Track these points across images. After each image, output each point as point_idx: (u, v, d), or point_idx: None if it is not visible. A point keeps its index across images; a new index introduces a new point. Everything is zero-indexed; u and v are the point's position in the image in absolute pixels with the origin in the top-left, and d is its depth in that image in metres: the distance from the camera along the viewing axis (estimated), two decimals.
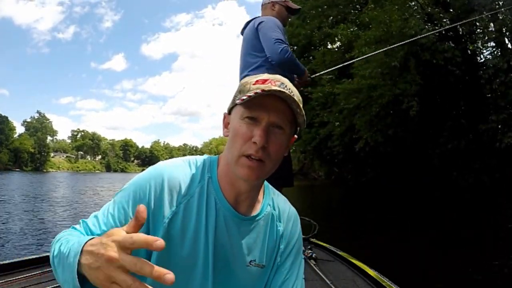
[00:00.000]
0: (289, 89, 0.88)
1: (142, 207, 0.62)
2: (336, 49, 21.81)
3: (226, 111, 0.98)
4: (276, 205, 1.06)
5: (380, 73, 15.25)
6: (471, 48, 15.91)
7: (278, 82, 0.88)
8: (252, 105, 0.86)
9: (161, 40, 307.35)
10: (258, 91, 0.84)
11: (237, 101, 0.88)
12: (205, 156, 1.02)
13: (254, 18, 2.72)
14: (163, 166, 0.94)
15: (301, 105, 0.89)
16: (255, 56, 2.59)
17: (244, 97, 0.84)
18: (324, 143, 22.34)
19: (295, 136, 0.98)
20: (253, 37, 2.59)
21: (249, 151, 0.86)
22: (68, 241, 0.75)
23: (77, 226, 0.89)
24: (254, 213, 1.00)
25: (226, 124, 0.97)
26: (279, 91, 0.84)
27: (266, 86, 0.85)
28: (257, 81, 0.89)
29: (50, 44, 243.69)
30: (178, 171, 0.93)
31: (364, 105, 16.59)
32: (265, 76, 0.91)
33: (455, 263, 4.97)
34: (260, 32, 2.55)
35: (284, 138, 0.90)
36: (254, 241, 0.99)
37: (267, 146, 0.86)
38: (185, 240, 0.90)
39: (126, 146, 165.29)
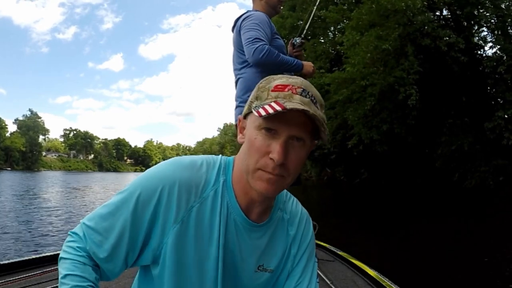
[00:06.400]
0: (312, 95, 0.82)
1: None
2: (327, 40, 21.47)
3: (241, 115, 0.92)
4: (287, 208, 1.04)
5: (370, 58, 14.27)
6: (473, 41, 15.40)
7: (300, 89, 0.80)
8: (271, 115, 0.77)
9: (159, 41, 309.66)
10: (278, 108, 0.75)
11: (254, 111, 0.81)
12: (220, 156, 0.97)
13: (242, 14, 2.60)
14: (176, 166, 0.90)
15: (325, 121, 0.82)
16: (242, 54, 2.53)
17: (262, 112, 0.77)
18: None
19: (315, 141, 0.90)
20: (238, 36, 2.51)
21: (266, 168, 0.81)
22: None
23: (75, 236, 0.88)
24: (265, 219, 0.97)
25: (241, 129, 0.91)
26: (303, 110, 0.76)
27: (287, 95, 0.79)
28: (276, 86, 0.82)
29: (49, 44, 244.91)
30: (193, 173, 0.89)
31: (357, 98, 15.73)
32: (285, 79, 0.83)
33: (455, 263, 5.01)
34: (241, 32, 2.48)
35: (304, 151, 0.83)
36: (264, 247, 0.97)
37: (286, 162, 0.80)
38: (198, 243, 0.88)
39: (119, 145, 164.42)
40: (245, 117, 0.90)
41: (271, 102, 0.78)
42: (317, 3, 3.67)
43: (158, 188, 0.85)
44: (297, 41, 2.76)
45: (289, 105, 0.76)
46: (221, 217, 0.89)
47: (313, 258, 1.06)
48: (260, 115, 0.77)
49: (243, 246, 0.94)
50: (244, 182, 0.89)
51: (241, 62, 2.53)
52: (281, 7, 2.76)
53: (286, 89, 0.80)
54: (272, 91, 0.82)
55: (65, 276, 0.81)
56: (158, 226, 0.85)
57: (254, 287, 0.98)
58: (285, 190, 1.05)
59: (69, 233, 0.90)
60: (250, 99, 0.88)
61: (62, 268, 0.83)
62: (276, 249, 1.00)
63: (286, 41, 2.79)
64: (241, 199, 0.92)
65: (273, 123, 0.79)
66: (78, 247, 0.85)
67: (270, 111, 0.75)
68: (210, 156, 0.97)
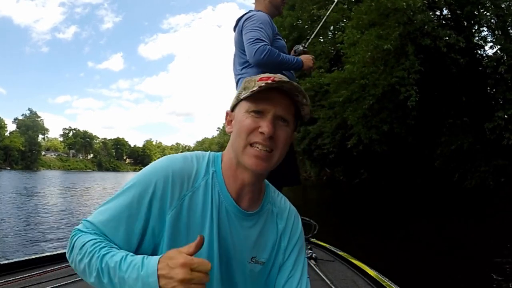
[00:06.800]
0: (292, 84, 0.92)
1: (201, 239, 0.78)
2: (327, 39, 21.33)
3: (228, 109, 1.01)
4: (276, 203, 1.08)
5: (371, 57, 14.27)
6: (473, 41, 15.32)
7: (282, 80, 0.91)
8: (258, 99, 0.90)
9: (159, 41, 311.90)
10: (268, 81, 0.88)
11: (242, 96, 0.92)
12: (209, 152, 1.04)
13: (245, 14, 2.58)
14: (169, 160, 0.96)
15: (305, 93, 0.92)
16: (243, 54, 2.52)
17: (254, 89, 0.88)
18: (315, 141, 21.96)
19: (295, 132, 1.01)
20: (239, 36, 2.50)
21: (256, 139, 0.90)
22: (110, 254, 0.82)
23: (85, 226, 0.91)
24: (255, 209, 1.01)
25: (229, 122, 1.00)
26: (287, 82, 0.88)
27: (271, 82, 0.89)
28: (261, 78, 0.92)
29: (49, 44, 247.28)
30: (184, 165, 0.95)
31: (356, 98, 15.69)
32: (267, 74, 0.94)
33: (455, 262, 5.02)
34: (242, 32, 2.47)
35: (288, 131, 0.94)
36: (255, 238, 1.01)
37: (275, 137, 0.90)
38: (191, 232, 0.91)
39: (118, 145, 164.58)
40: (232, 110, 0.99)
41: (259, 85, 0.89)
42: (327, 13, 3.61)
43: (153, 180, 0.91)
44: (300, 48, 2.75)
45: (276, 79, 0.88)
46: (213, 206, 0.95)
47: (303, 253, 1.10)
48: (252, 92, 0.88)
49: (235, 234, 0.98)
50: (233, 170, 0.97)
51: (242, 62, 2.52)
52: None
53: (270, 79, 0.90)
54: (258, 81, 0.92)
55: (81, 247, 0.85)
56: (156, 215, 0.90)
57: (247, 277, 1.01)
58: (273, 187, 1.12)
59: (72, 231, 0.94)
60: (237, 92, 0.97)
61: (76, 251, 0.86)
62: (266, 241, 1.04)
63: (285, 40, 2.77)
64: (231, 188, 0.97)
65: (261, 105, 0.90)
66: (81, 233, 0.90)
67: (262, 84, 0.87)
68: (199, 151, 1.03)
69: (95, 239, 0.85)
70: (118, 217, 0.89)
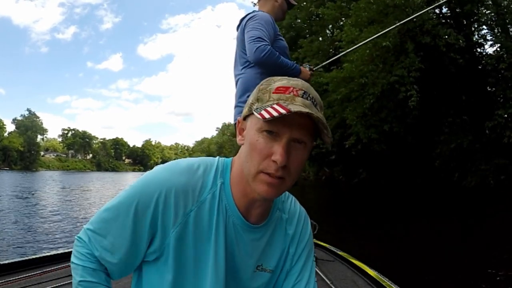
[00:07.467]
0: (313, 98, 0.82)
1: None
2: (326, 38, 21.08)
3: (240, 116, 0.92)
4: (285, 208, 1.04)
5: (369, 55, 14.05)
6: (473, 39, 15.28)
7: (301, 91, 0.81)
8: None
9: (158, 41, 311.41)
10: (282, 111, 0.74)
11: (255, 113, 0.80)
12: (218, 158, 0.97)
13: (248, 14, 2.60)
14: (172, 172, 0.90)
15: (326, 124, 0.80)
16: (245, 54, 2.52)
17: (266, 115, 0.75)
18: None
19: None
20: (242, 35, 2.51)
21: (268, 170, 0.80)
22: None
23: (82, 242, 0.90)
24: (264, 221, 0.97)
25: (240, 131, 0.91)
26: (307, 113, 0.76)
27: (289, 97, 0.79)
28: (277, 88, 0.82)
29: (48, 44, 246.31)
30: (188, 177, 0.89)
31: (355, 97, 15.43)
32: (286, 81, 0.83)
33: (455, 262, 5.01)
34: (245, 31, 2.49)
35: (305, 153, 0.83)
36: (263, 247, 0.97)
37: (288, 164, 0.80)
38: (198, 246, 0.88)
39: (117, 145, 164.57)
40: (244, 118, 0.89)
41: (273, 104, 0.78)
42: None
43: (155, 194, 0.86)
44: (307, 66, 2.77)
45: (293, 108, 0.76)
46: (219, 220, 0.90)
47: (311, 257, 1.06)
48: (264, 118, 0.75)
49: (242, 247, 0.94)
50: (243, 184, 0.89)
51: (243, 62, 2.53)
52: None
53: (288, 92, 0.80)
54: (273, 93, 0.81)
55: (79, 282, 0.87)
56: (158, 230, 0.87)
57: (254, 287, 0.98)
58: None
59: (75, 237, 0.93)
60: (250, 100, 0.87)
61: (75, 274, 0.88)
62: (275, 249, 1.00)
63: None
64: (239, 201, 0.92)
65: (275, 126, 0.78)
66: (86, 253, 0.89)
67: (275, 114, 0.74)
68: (207, 158, 0.96)
69: (85, 273, 0.87)
70: (122, 233, 0.87)
